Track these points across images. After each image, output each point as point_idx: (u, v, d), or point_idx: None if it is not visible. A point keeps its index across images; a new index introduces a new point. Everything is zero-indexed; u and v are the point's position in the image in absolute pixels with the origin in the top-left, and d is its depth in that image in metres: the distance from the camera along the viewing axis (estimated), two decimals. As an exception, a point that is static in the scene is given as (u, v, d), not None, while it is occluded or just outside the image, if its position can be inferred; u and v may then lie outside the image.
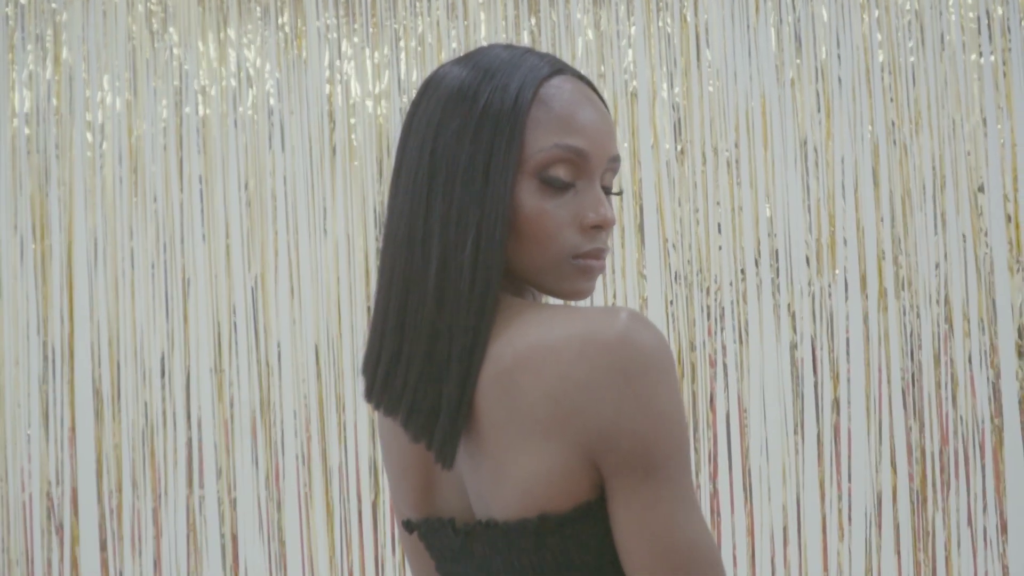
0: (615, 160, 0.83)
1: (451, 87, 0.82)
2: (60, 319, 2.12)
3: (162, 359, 2.11)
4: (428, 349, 0.78)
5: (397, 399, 0.80)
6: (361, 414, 2.10)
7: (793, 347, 2.04)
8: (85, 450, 2.09)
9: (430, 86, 0.84)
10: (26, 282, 2.12)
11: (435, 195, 0.79)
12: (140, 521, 2.08)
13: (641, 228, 2.06)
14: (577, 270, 0.81)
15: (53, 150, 2.14)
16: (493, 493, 0.77)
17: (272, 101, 2.14)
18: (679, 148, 2.07)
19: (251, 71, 2.15)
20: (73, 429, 2.09)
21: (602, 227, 0.81)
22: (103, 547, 2.07)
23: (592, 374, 0.72)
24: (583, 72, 2.11)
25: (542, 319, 0.76)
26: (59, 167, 2.14)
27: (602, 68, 2.10)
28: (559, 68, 0.83)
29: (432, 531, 0.85)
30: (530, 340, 0.75)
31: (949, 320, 2.01)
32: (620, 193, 0.88)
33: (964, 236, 2.01)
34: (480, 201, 0.78)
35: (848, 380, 2.02)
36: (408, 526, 0.88)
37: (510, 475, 0.75)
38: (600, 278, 2.08)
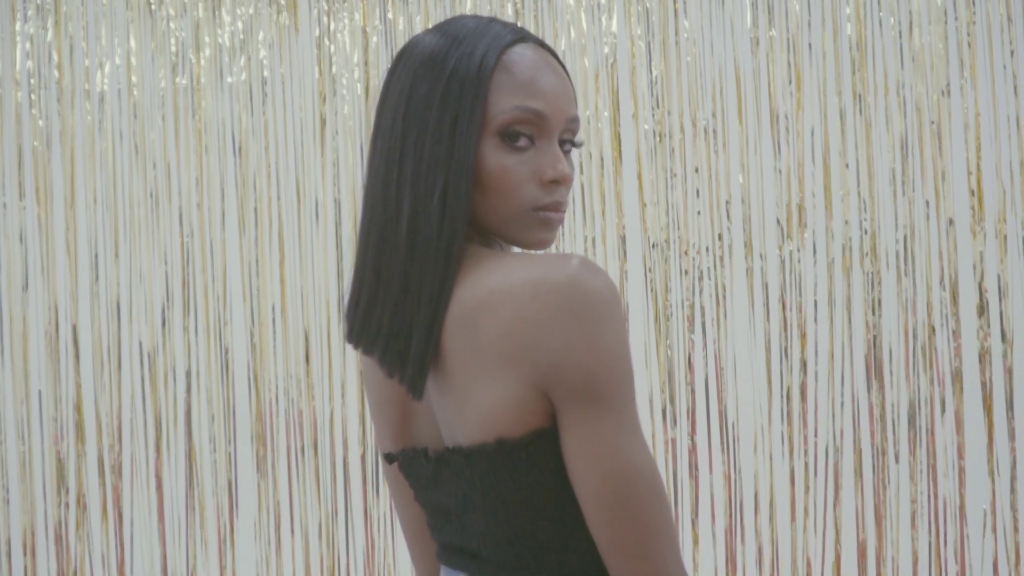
0: (573, 121, 0.90)
1: (423, 54, 0.88)
2: (64, 280, 2.19)
3: (163, 317, 2.19)
4: (400, 293, 0.85)
5: (374, 339, 0.88)
6: (350, 373, 2.18)
7: (765, 309, 2.12)
8: (88, 405, 2.18)
9: (404, 53, 0.91)
10: (32, 245, 2.20)
11: (407, 153, 0.86)
12: (147, 473, 2.17)
13: (621, 195, 2.14)
14: (538, 221, 0.87)
15: (55, 116, 2.21)
16: (458, 421, 0.84)
17: (265, 71, 2.21)
18: (657, 118, 2.14)
19: (243, 39, 2.22)
20: (79, 385, 2.18)
21: (560, 182, 0.87)
22: (104, 493, 2.17)
23: (543, 313, 0.79)
24: (571, 43, 2.17)
25: (502, 265, 0.83)
26: (61, 133, 2.21)
27: (583, 40, 2.17)
28: (521, 36, 0.89)
29: (408, 460, 0.93)
30: (490, 284, 0.82)
31: (912, 281, 2.09)
32: (582, 144, 0.95)
33: (928, 202, 2.08)
34: (447, 158, 0.84)
35: (815, 340, 2.10)
36: (389, 458, 0.96)
37: (472, 404, 0.82)
38: (583, 244, 2.15)
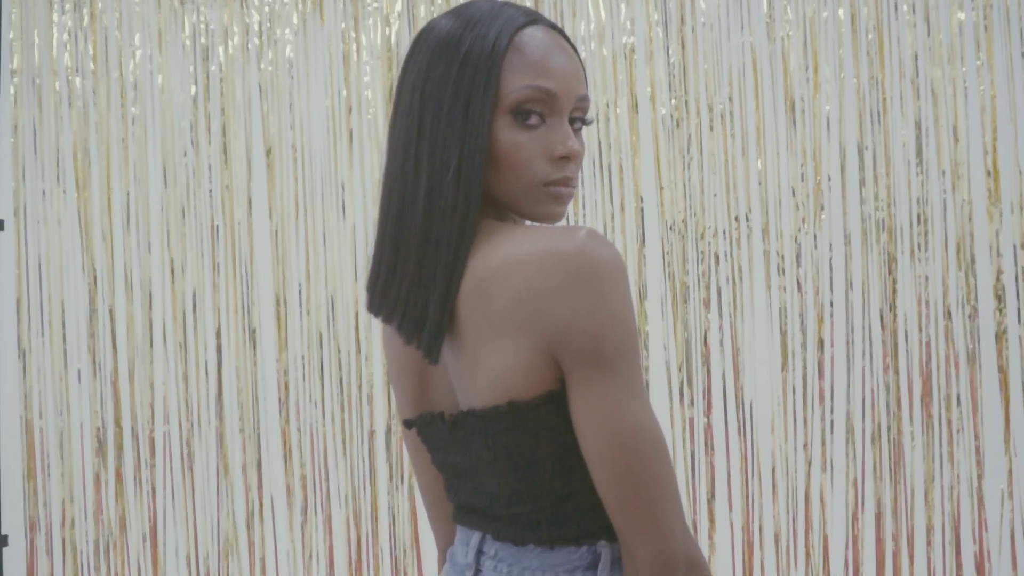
0: (583, 99, 0.93)
1: (439, 37, 0.92)
2: (100, 263, 2.26)
3: (193, 299, 2.25)
4: (418, 264, 0.89)
5: (393, 307, 0.92)
6: (375, 350, 2.23)
7: (781, 290, 2.14)
8: (124, 383, 2.25)
9: (422, 37, 0.95)
10: (70, 229, 2.27)
11: (424, 132, 0.90)
12: (180, 449, 2.24)
13: (639, 179, 2.16)
14: (549, 196, 0.90)
15: (91, 104, 2.27)
16: (472, 385, 0.88)
17: (290, 56, 2.26)
18: (674, 102, 2.17)
19: (269, 27, 2.27)
20: (115, 365, 2.25)
21: (569, 158, 0.90)
22: (139, 466, 2.24)
23: (551, 281, 0.82)
24: (588, 29, 2.20)
25: (513, 237, 0.86)
26: (97, 122, 2.27)
27: (602, 25, 2.20)
28: (533, 19, 0.93)
29: (426, 425, 0.97)
30: (502, 255, 0.85)
31: (928, 263, 2.10)
32: (591, 122, 0.98)
33: (944, 189, 2.09)
34: (461, 136, 0.88)
35: (832, 321, 2.12)
36: (408, 424, 1.00)
37: (485, 369, 0.86)
38: (601, 227, 2.19)
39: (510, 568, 0.90)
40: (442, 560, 1.07)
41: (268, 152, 2.25)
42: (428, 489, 1.08)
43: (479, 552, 0.93)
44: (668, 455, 0.85)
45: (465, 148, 0.88)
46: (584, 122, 0.95)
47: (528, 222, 0.98)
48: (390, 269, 0.92)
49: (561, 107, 0.91)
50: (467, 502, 0.96)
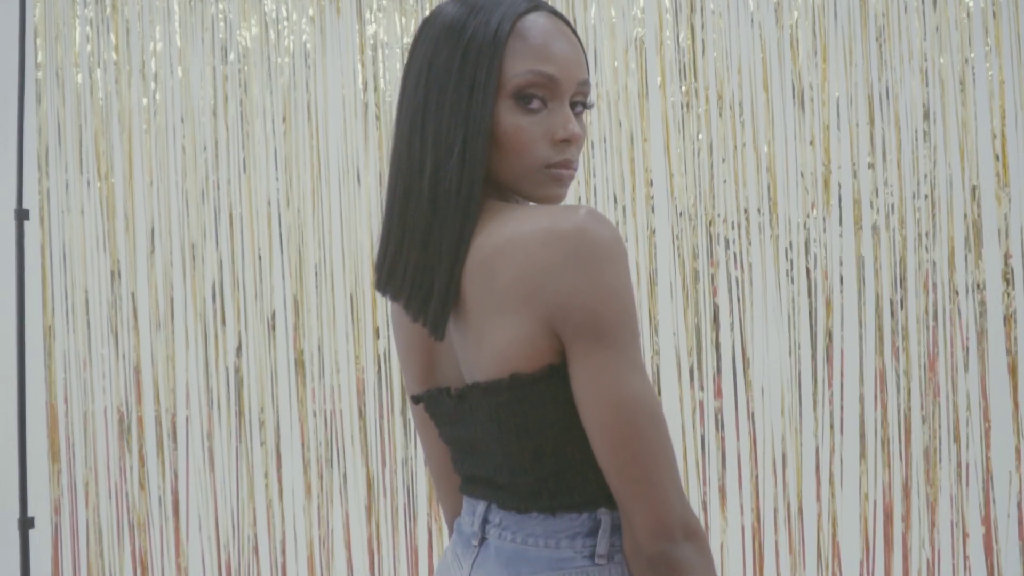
0: (584, 84, 0.96)
1: (444, 23, 0.95)
2: (123, 252, 2.31)
3: (213, 286, 2.30)
4: (423, 244, 0.92)
5: (400, 285, 0.95)
6: (392, 334, 2.27)
7: (789, 275, 2.15)
8: (146, 368, 2.30)
9: (427, 23, 0.98)
10: (93, 219, 2.31)
11: (429, 116, 0.92)
12: (200, 431, 2.29)
13: (649, 166, 2.18)
14: (550, 178, 0.93)
15: (114, 96, 2.32)
16: (476, 359, 0.91)
17: (307, 45, 2.29)
18: (684, 90, 2.18)
19: (287, 19, 2.30)
20: (138, 351, 2.30)
21: (570, 141, 0.93)
22: (161, 449, 2.28)
23: (552, 258, 0.84)
24: (599, 17, 2.22)
25: (516, 216, 0.89)
26: (119, 112, 2.32)
27: (613, 15, 2.21)
28: (535, 5, 0.96)
29: (433, 399, 1.00)
30: (505, 233, 0.88)
31: (937, 247, 2.10)
32: (592, 106, 1.01)
33: (952, 174, 2.09)
34: (465, 119, 0.91)
35: (841, 305, 2.13)
36: (416, 399, 1.03)
37: (488, 343, 0.88)
38: (612, 214, 2.21)
39: (514, 535, 0.93)
40: (451, 532, 1.11)
41: (285, 138, 2.28)
42: (436, 463, 1.11)
43: (484, 521, 0.96)
44: (665, 425, 0.88)
45: (469, 131, 0.91)
46: (585, 106, 0.98)
47: (530, 203, 1.01)
48: (397, 249, 0.95)
49: (562, 91, 0.93)
50: (473, 473, 0.99)
